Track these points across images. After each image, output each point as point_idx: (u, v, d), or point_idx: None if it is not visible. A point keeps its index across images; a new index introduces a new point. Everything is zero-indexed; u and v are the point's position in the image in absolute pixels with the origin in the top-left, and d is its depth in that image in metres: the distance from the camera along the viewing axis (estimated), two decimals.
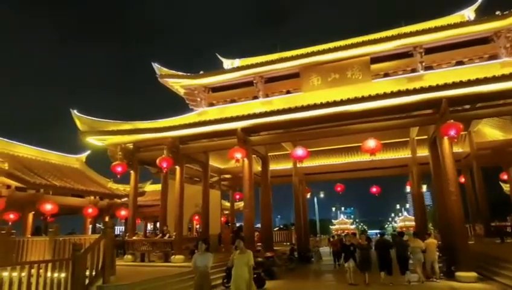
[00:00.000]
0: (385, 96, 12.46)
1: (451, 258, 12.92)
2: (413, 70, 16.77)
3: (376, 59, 16.94)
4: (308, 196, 28.56)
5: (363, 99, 12.65)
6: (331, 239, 23.68)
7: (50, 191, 17.32)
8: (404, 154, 22.91)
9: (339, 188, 26.19)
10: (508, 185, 24.99)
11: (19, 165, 16.90)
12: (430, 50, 16.60)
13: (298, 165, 22.45)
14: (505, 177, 23.70)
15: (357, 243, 12.85)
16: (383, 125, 13.69)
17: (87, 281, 8.37)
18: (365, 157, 24.07)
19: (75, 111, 15.93)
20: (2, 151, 17.45)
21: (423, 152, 20.87)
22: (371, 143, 12.87)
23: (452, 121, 12.09)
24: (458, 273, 11.65)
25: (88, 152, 22.76)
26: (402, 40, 16.30)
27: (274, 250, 16.19)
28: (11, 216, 17.85)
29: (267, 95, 18.01)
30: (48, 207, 16.13)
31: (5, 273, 9.40)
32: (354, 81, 16.64)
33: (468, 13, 19.82)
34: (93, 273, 8.57)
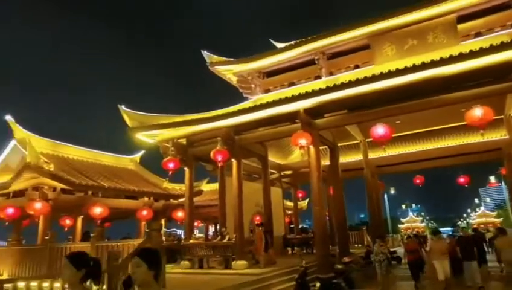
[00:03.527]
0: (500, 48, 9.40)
1: None
2: None
3: (464, 17, 13.86)
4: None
5: (460, 57, 9.79)
6: (406, 241, 18.93)
7: (99, 193, 16.47)
8: (497, 135, 19.15)
9: (418, 181, 22.75)
10: None
11: (67, 167, 16.24)
12: None
13: (370, 157, 19.78)
14: None
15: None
16: (486, 91, 10.64)
17: None
18: (448, 143, 20.87)
19: (123, 106, 14.94)
20: (49, 152, 16.97)
21: None
22: (478, 112, 9.87)
23: None
24: None
25: (142, 152, 22.05)
26: None
27: (351, 254, 13.67)
28: (67, 221, 17.43)
29: (331, 73, 15.52)
30: (98, 210, 15.21)
31: (46, 284, 8.22)
32: (437, 46, 13.65)
33: None
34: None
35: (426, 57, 11.94)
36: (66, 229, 17.79)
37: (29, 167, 13.74)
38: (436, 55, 11.57)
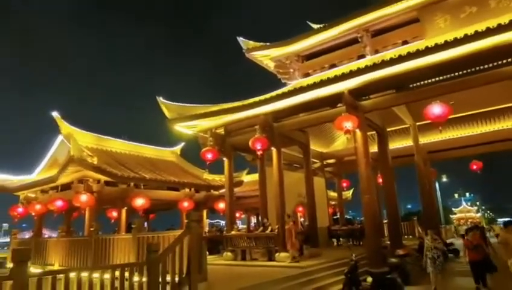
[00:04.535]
0: None
1: None
2: None
3: None
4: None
5: None
6: (465, 234, 16.03)
7: (141, 184, 16.58)
8: None
9: (475, 167, 20.79)
10: None
11: (110, 160, 16.48)
12: None
13: (420, 142, 18.35)
14: None
15: None
16: None
17: (168, 289, 6.44)
18: (509, 124, 18.84)
19: (161, 98, 14.82)
20: (93, 146, 17.34)
21: None
22: None
23: None
24: None
25: (182, 144, 22.11)
26: None
27: (405, 247, 12.60)
28: (114, 213, 17.83)
29: (376, 51, 14.29)
30: (139, 202, 15.33)
31: (84, 274, 8.11)
32: (501, 11, 11.97)
33: None
34: (176, 279, 6.58)
35: (488, 25, 10.59)
36: (112, 221, 18.27)
37: (73, 160, 14.04)
38: (500, 21, 10.21)
